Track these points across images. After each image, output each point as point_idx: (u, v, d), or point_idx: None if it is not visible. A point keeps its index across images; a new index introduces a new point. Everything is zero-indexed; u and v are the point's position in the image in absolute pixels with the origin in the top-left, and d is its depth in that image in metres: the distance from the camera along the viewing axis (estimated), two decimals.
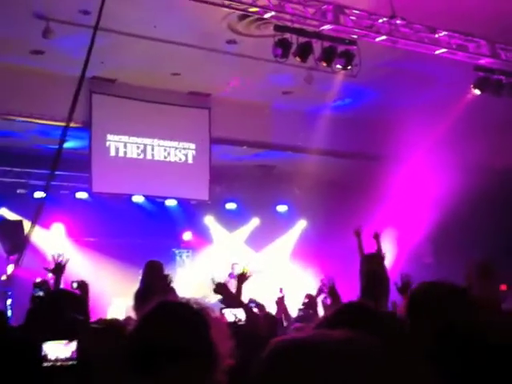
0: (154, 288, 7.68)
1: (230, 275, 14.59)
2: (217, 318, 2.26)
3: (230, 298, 5.41)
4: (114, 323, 3.15)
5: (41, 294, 5.67)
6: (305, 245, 17.59)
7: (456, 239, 14.39)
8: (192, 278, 16.85)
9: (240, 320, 4.99)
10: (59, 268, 5.70)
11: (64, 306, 3.42)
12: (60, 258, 5.75)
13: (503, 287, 13.67)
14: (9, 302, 13.11)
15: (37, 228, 11.84)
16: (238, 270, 15.03)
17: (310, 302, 8.32)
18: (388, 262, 13.62)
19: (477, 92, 11.04)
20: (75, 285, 5.69)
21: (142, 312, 2.28)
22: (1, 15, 10.36)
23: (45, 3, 10.06)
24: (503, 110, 12.16)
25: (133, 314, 6.90)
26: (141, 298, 7.93)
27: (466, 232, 14.20)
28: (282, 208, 18.27)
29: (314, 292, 8.77)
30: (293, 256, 18.00)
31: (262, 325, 5.17)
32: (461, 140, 13.27)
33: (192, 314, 2.20)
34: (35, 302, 5.55)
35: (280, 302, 7.62)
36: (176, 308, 2.25)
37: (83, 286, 5.74)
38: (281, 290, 7.77)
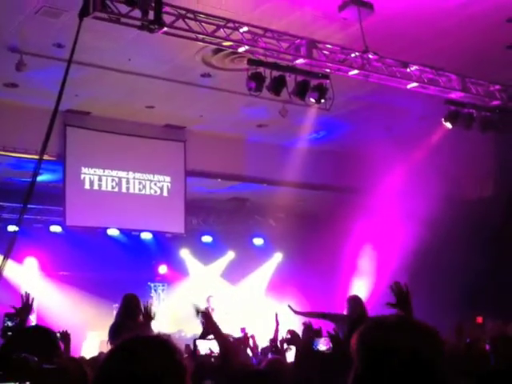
0: (128, 323, 7.62)
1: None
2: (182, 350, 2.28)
3: (213, 328, 5.34)
4: (67, 364, 3.10)
5: (10, 324, 5.54)
6: (280, 277, 17.57)
7: (429, 269, 14.43)
8: (168, 312, 16.76)
9: (213, 352, 4.97)
10: (26, 308, 5.55)
11: (18, 347, 3.35)
12: (27, 298, 5.59)
13: (479, 320, 13.74)
14: None
15: (9, 262, 11.71)
16: (212, 304, 15.01)
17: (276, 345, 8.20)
18: (365, 293, 13.69)
19: (448, 125, 11.17)
20: (57, 335, 5.54)
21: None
22: None
23: (18, 36, 10.07)
24: (474, 141, 12.32)
25: (106, 349, 6.82)
26: (114, 332, 7.88)
27: (439, 262, 14.26)
28: (257, 241, 18.26)
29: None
30: (268, 289, 17.96)
31: (236, 357, 5.12)
32: (432, 171, 13.40)
33: (160, 343, 2.23)
34: (6, 334, 5.42)
35: (245, 341, 7.49)
36: (144, 339, 2.27)
37: (65, 336, 5.61)
38: (243, 331, 7.65)
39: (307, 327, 6.87)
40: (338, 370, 2.61)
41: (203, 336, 5.94)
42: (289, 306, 9.74)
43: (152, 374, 2.14)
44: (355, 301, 9.82)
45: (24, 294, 5.57)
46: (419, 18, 9.71)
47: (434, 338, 2.25)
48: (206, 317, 5.50)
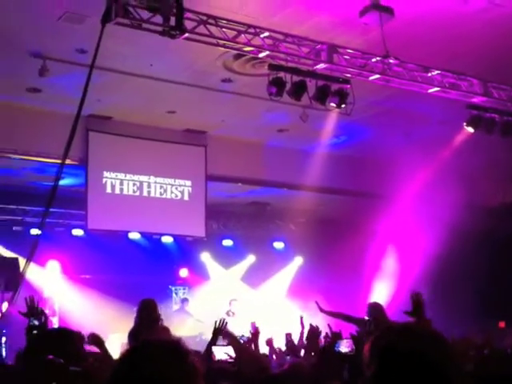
0: (146, 328, 7.70)
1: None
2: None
3: (235, 345, 5.33)
4: (92, 367, 3.14)
5: (36, 322, 5.55)
6: (301, 281, 17.57)
7: (451, 274, 14.37)
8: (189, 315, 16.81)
9: (231, 357, 4.99)
10: (33, 311, 5.50)
11: (41, 349, 3.39)
12: (31, 302, 5.52)
13: (502, 324, 13.65)
14: (3, 340, 13.04)
15: (32, 265, 11.81)
16: (234, 307, 15.04)
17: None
18: (386, 297, 13.65)
19: (470, 130, 11.12)
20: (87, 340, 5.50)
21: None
22: None
23: (41, 42, 10.18)
24: (495, 146, 12.25)
25: None
26: (132, 338, 8.00)
27: (461, 267, 14.19)
28: (278, 245, 18.28)
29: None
30: (289, 293, 17.97)
31: (250, 364, 5.13)
32: (453, 176, 13.34)
33: (170, 349, 2.24)
34: (31, 333, 5.43)
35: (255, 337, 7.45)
36: (155, 343, 2.29)
37: (95, 338, 5.58)
38: (253, 326, 7.63)
39: (313, 328, 6.89)
40: (361, 371, 2.65)
41: (213, 342, 5.96)
42: (316, 302, 9.81)
43: (163, 377, 2.16)
44: (375, 308, 9.94)
45: (28, 299, 5.52)
46: (440, 22, 9.69)
47: (442, 343, 2.40)
48: (230, 337, 5.52)
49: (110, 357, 5.14)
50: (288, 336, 8.40)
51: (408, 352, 2.30)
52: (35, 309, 5.48)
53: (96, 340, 5.51)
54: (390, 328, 2.50)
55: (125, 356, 2.28)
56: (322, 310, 10.02)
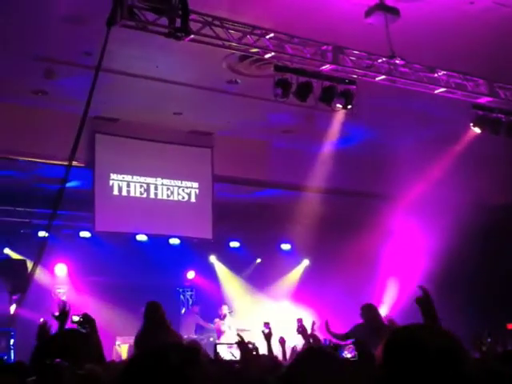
0: (153, 330, 7.72)
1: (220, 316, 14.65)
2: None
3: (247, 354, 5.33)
4: (95, 370, 3.15)
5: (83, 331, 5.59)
6: (308, 283, 17.54)
7: (456, 276, 14.34)
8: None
9: (235, 358, 5.00)
10: (64, 315, 5.71)
11: (48, 352, 3.39)
12: (64, 305, 5.77)
13: (510, 326, 13.60)
14: (11, 342, 13.08)
15: (40, 267, 11.85)
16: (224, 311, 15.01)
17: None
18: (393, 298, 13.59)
19: (476, 130, 11.11)
20: (75, 318, 5.55)
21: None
22: (3, 56, 10.51)
23: (47, 45, 10.21)
24: (501, 146, 12.23)
25: None
26: (138, 340, 8.04)
27: (467, 268, 14.16)
28: (285, 246, 18.28)
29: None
30: (295, 295, 17.93)
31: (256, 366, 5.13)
32: (459, 177, 13.31)
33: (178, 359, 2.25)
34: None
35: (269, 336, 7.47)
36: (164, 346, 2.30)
37: (87, 321, 5.61)
38: (267, 326, 7.65)
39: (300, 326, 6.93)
40: (364, 376, 2.66)
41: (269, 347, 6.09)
42: (326, 323, 9.84)
43: (173, 378, 2.17)
44: (368, 308, 10.06)
45: (61, 302, 5.74)
46: (446, 22, 9.68)
47: (458, 341, 2.40)
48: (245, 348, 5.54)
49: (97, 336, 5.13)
50: (299, 321, 8.41)
51: (436, 349, 2.30)
52: (67, 313, 5.61)
53: (87, 320, 5.53)
54: (408, 326, 2.50)
55: (134, 359, 2.29)
56: (329, 331, 10.05)
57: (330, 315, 11.91)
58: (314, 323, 9.48)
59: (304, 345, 7.13)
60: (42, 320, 5.78)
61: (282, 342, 8.21)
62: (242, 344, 5.40)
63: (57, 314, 5.67)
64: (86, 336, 3.94)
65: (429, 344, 2.32)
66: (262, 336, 7.20)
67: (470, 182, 13.44)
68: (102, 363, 4.17)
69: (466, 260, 14.09)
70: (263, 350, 6.66)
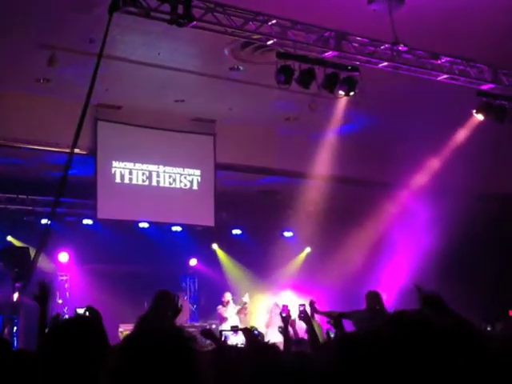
0: (154, 316, 7.69)
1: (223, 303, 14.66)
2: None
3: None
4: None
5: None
6: (309, 271, 17.54)
7: (459, 264, 14.34)
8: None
9: (241, 343, 5.01)
10: (44, 294, 5.52)
11: (60, 343, 3.38)
12: (43, 286, 5.53)
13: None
14: (15, 329, 13.12)
15: (43, 255, 11.85)
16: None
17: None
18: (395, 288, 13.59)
19: (480, 117, 11.07)
20: (80, 311, 5.53)
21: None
22: (6, 45, 10.49)
23: (50, 33, 10.18)
24: (506, 134, 12.18)
25: None
26: (137, 323, 7.97)
27: (469, 256, 14.15)
28: (287, 234, 18.29)
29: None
30: (297, 282, 17.94)
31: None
32: (463, 165, 13.28)
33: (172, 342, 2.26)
34: None
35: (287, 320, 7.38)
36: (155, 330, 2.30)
37: (92, 314, 5.58)
38: (284, 309, 7.55)
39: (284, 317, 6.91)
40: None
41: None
42: (311, 303, 9.65)
43: (161, 364, 2.18)
44: (372, 296, 10.04)
45: (40, 283, 5.55)
46: (449, 8, 9.62)
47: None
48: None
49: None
50: (301, 306, 8.35)
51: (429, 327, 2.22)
52: (46, 294, 5.49)
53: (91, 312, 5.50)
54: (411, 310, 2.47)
55: (126, 342, 2.29)
56: (317, 312, 9.85)
57: (332, 303, 11.92)
58: (312, 302, 9.43)
59: (307, 330, 7.08)
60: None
61: (293, 323, 8.18)
62: (247, 330, 5.41)
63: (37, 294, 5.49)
64: (93, 323, 3.93)
65: (434, 323, 2.31)
66: (280, 319, 7.10)
67: (475, 170, 13.40)
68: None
69: (469, 249, 14.07)
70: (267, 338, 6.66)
